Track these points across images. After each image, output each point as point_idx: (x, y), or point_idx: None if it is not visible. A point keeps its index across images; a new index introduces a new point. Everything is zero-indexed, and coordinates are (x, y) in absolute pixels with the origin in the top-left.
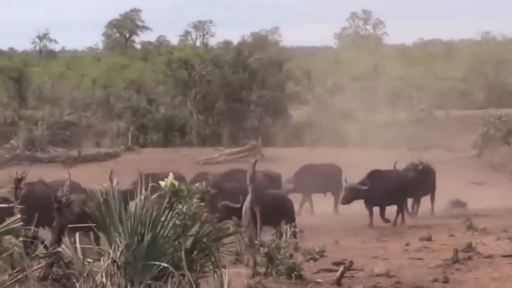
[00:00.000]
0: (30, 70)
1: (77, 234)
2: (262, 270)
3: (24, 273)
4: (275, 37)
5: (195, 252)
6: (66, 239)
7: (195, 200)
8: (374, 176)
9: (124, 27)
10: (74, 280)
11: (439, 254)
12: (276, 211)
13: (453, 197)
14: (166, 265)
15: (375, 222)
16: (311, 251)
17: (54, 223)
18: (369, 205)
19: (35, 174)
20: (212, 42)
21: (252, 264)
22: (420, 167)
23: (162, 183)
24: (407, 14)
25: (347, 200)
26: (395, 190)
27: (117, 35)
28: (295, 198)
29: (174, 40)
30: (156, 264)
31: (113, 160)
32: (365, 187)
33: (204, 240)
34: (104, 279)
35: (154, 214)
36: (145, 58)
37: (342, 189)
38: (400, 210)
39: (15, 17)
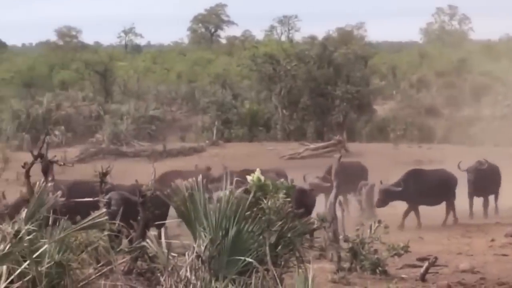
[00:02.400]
0: (116, 65)
1: (162, 228)
2: (346, 265)
3: (109, 267)
4: (360, 32)
5: (279, 247)
6: (150, 233)
7: (280, 195)
8: (411, 176)
9: (210, 22)
10: (159, 274)
11: None
12: None
13: None
14: (250, 260)
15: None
16: (395, 246)
17: (139, 218)
18: (410, 206)
19: (120, 168)
20: (297, 37)
21: (337, 259)
22: (483, 166)
23: (248, 178)
24: (493, 10)
25: (382, 203)
26: (436, 190)
27: (203, 29)
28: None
29: (259, 35)
30: (241, 259)
31: (198, 155)
32: (399, 188)
33: (289, 235)
34: (188, 274)
35: (239, 208)
36: (230, 53)
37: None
38: (449, 210)
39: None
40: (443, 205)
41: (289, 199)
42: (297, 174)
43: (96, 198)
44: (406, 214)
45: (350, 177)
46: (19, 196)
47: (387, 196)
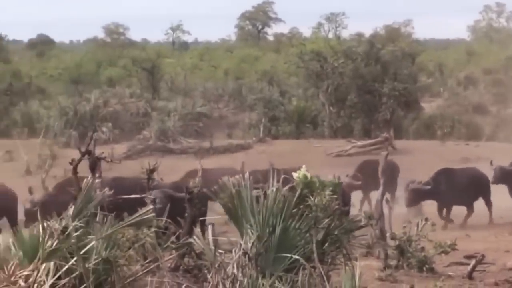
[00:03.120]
0: (163, 62)
1: (209, 226)
2: (393, 262)
3: (156, 264)
4: (407, 29)
5: (326, 245)
6: (197, 230)
7: (327, 192)
8: (441, 175)
9: (257, 19)
10: (206, 271)
11: None
12: None
13: None
14: (297, 257)
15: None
16: (442, 244)
17: (186, 214)
18: (440, 205)
19: (167, 165)
20: (345, 34)
21: (383, 256)
22: None
23: (294, 175)
24: None
25: (412, 202)
26: (466, 189)
27: (250, 27)
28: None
29: (306, 32)
30: (288, 256)
31: (245, 152)
32: (428, 187)
33: (336, 232)
34: (235, 271)
35: (285, 206)
36: (277, 50)
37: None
38: (471, 210)
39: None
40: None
41: (335, 196)
42: (344, 172)
43: (143, 195)
44: (440, 213)
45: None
46: (45, 192)
47: (417, 196)
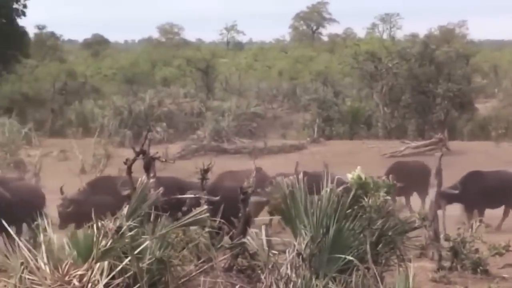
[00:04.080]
0: (218, 62)
1: (262, 226)
2: (447, 264)
3: (210, 264)
4: (462, 30)
5: (380, 246)
6: (251, 230)
7: (381, 193)
8: (469, 178)
9: (311, 19)
10: (259, 271)
11: None
12: None
13: None
14: (351, 258)
15: None
16: (496, 245)
17: (240, 214)
18: (468, 209)
19: (221, 165)
20: (399, 35)
21: (437, 258)
22: None
23: (348, 176)
24: None
25: (439, 205)
26: (497, 192)
27: (304, 27)
28: None
29: (361, 32)
30: (341, 256)
31: (299, 152)
32: (456, 191)
33: (390, 233)
34: (289, 271)
35: (339, 206)
36: (331, 50)
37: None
38: (507, 213)
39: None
40: None
41: (389, 197)
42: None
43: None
44: (468, 216)
45: (410, 177)
46: (77, 192)
47: (444, 199)
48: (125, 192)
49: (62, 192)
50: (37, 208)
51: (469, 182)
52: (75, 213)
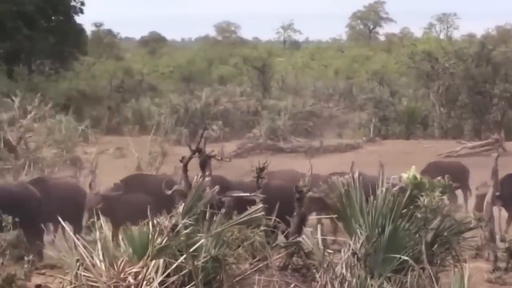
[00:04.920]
0: (274, 60)
1: (318, 225)
2: (502, 265)
3: (265, 262)
4: None
5: (435, 246)
6: (306, 229)
7: (436, 193)
8: (507, 180)
9: (368, 18)
10: (314, 270)
11: None
12: None
13: None
14: (406, 258)
15: None
16: None
17: (295, 213)
18: (508, 210)
19: (276, 163)
20: (456, 35)
21: (493, 259)
22: None
23: (404, 175)
24: None
25: (479, 208)
26: None
27: (361, 26)
28: None
29: (417, 32)
30: (396, 256)
31: (355, 151)
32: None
33: (445, 234)
34: (344, 271)
35: (395, 206)
36: (388, 50)
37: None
38: None
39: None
40: None
41: (445, 197)
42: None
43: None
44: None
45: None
46: (109, 188)
47: (484, 201)
48: (169, 192)
49: (91, 188)
50: (77, 206)
51: (507, 184)
52: (106, 210)
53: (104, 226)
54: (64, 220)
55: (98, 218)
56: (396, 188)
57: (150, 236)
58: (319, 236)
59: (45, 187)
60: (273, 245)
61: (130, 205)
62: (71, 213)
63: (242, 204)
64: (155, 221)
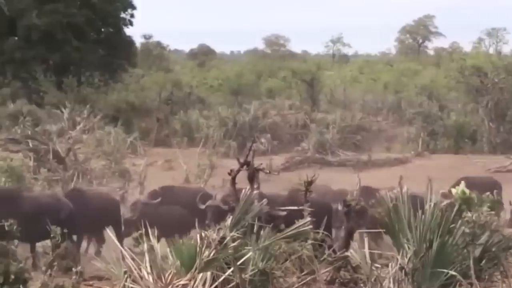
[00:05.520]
0: (323, 74)
1: (365, 239)
2: None
3: (312, 276)
4: None
5: (483, 261)
6: (354, 244)
7: (484, 209)
8: None
9: (417, 32)
10: (361, 284)
11: None
12: None
13: None
14: (454, 273)
15: None
16: None
17: (343, 227)
18: None
19: (324, 177)
20: (505, 49)
21: None
22: None
23: (453, 191)
24: None
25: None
26: None
27: (410, 40)
28: None
29: (467, 46)
30: (444, 271)
31: (403, 166)
32: None
33: (493, 249)
34: (391, 285)
35: (443, 221)
36: (437, 64)
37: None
38: None
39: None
40: None
41: (493, 212)
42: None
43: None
44: None
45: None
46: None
47: None
48: (203, 206)
49: (123, 200)
50: (112, 216)
51: None
52: (140, 221)
53: (152, 238)
54: (98, 231)
55: (146, 231)
56: (444, 203)
57: (198, 249)
58: (366, 250)
59: (81, 198)
60: (321, 259)
61: (163, 217)
62: (106, 224)
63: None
64: (203, 234)
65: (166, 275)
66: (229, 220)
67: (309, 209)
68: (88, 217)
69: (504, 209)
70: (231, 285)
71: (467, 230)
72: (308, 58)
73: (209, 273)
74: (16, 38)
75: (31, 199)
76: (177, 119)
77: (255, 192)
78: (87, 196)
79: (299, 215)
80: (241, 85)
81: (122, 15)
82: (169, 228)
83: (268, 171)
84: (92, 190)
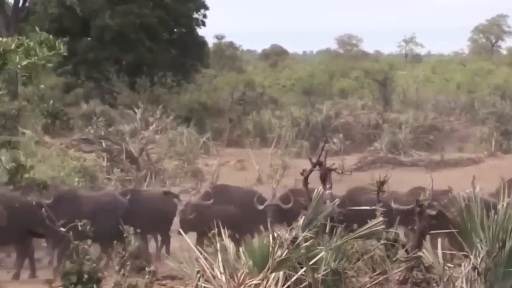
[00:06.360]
0: (396, 74)
1: (439, 239)
2: None
3: (385, 276)
4: None
5: None
6: (427, 244)
7: None
8: None
9: (491, 32)
10: (434, 284)
11: None
12: None
13: None
14: None
15: None
16: None
17: (415, 227)
18: None
19: (397, 177)
20: None
21: None
22: None
23: None
24: None
25: None
26: None
27: (483, 40)
28: None
29: None
30: None
31: (475, 166)
32: None
33: None
34: (464, 285)
35: None
36: (510, 64)
37: None
38: None
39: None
40: None
41: None
42: None
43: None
44: None
45: None
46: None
47: None
48: (261, 207)
49: (166, 194)
50: (167, 217)
51: None
52: (197, 220)
53: (225, 238)
54: (154, 231)
55: (219, 230)
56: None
57: (270, 249)
58: (439, 250)
59: (137, 198)
60: (394, 259)
61: (219, 217)
62: (161, 224)
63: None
64: (275, 234)
65: (239, 274)
66: (301, 220)
67: (382, 209)
68: (143, 217)
69: None
70: (303, 285)
71: None
72: (380, 58)
73: (281, 273)
74: (89, 39)
75: (89, 198)
76: (249, 119)
77: (327, 192)
78: (143, 196)
79: (359, 214)
80: (313, 85)
81: (195, 15)
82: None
83: (340, 171)
84: (148, 191)
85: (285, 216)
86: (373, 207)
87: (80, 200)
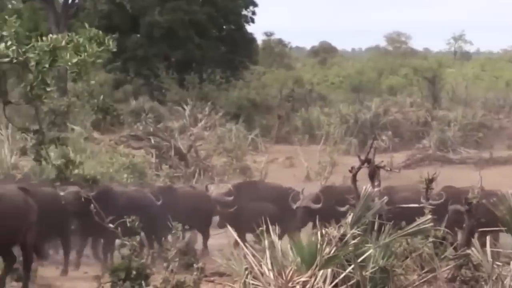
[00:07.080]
0: (444, 71)
1: (487, 237)
2: None
3: (433, 274)
4: None
5: None
6: (475, 241)
7: None
8: None
9: None
10: (483, 282)
11: None
12: None
13: None
14: None
15: None
16: None
17: (464, 225)
18: None
19: (445, 175)
20: None
21: None
22: None
23: None
24: None
25: None
26: None
27: None
28: None
29: None
30: None
31: None
32: None
33: None
34: None
35: None
36: None
37: None
38: None
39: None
40: None
41: None
42: None
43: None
44: None
45: None
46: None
47: None
48: (295, 206)
49: (207, 190)
50: (205, 214)
51: None
52: (236, 215)
53: (273, 235)
54: (191, 228)
55: (267, 227)
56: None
57: (318, 246)
58: (488, 248)
59: (174, 195)
60: (442, 256)
61: (257, 213)
62: (199, 221)
63: None
64: (323, 231)
65: (287, 271)
66: (349, 218)
67: (431, 206)
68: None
69: None
70: (351, 282)
71: None
72: (429, 55)
73: (329, 270)
74: (139, 35)
75: (122, 194)
76: (298, 116)
77: (376, 189)
78: (180, 193)
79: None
80: (362, 82)
81: (244, 12)
82: (247, 224)
83: (389, 169)
84: (185, 188)
85: (315, 216)
86: (421, 205)
87: (117, 196)
